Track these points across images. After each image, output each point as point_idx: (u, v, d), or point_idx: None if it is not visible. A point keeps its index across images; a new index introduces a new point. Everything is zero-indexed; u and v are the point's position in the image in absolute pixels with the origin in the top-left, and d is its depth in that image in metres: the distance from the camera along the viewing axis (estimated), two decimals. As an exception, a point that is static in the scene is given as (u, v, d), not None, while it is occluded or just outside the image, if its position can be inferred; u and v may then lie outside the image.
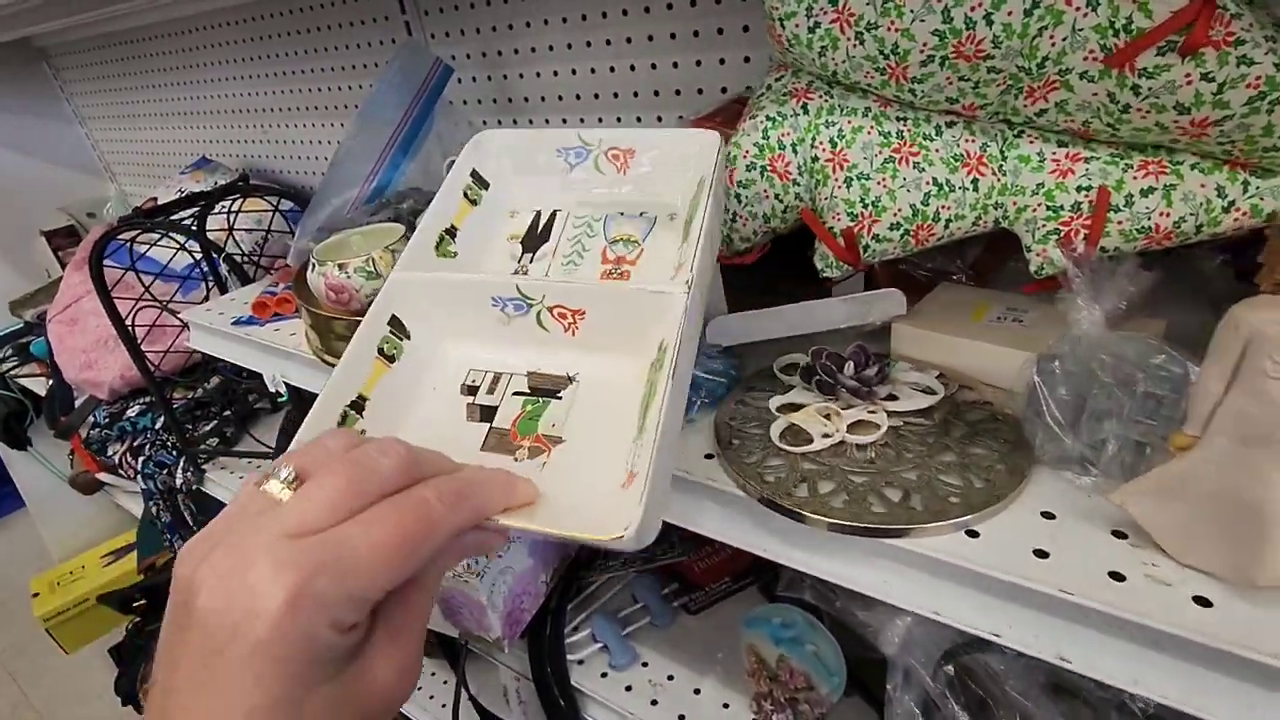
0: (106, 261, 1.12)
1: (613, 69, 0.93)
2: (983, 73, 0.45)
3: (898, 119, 0.50)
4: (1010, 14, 0.42)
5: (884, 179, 0.50)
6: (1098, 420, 0.39)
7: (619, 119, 0.97)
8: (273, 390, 0.78)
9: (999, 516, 0.40)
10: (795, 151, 0.52)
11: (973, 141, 0.49)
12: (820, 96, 0.52)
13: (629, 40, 0.90)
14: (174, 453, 1.26)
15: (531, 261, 0.49)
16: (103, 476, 1.62)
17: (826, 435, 0.46)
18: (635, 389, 0.39)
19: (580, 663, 0.80)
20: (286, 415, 1.05)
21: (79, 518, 2.14)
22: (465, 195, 0.50)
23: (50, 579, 2.00)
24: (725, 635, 0.81)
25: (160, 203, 1.40)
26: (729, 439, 0.49)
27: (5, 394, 1.87)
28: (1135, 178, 0.45)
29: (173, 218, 1.06)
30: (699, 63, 0.86)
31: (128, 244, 1.10)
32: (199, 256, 1.07)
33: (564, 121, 1.02)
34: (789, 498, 0.42)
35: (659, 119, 0.93)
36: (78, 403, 1.51)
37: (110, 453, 1.30)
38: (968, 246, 0.62)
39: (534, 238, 0.50)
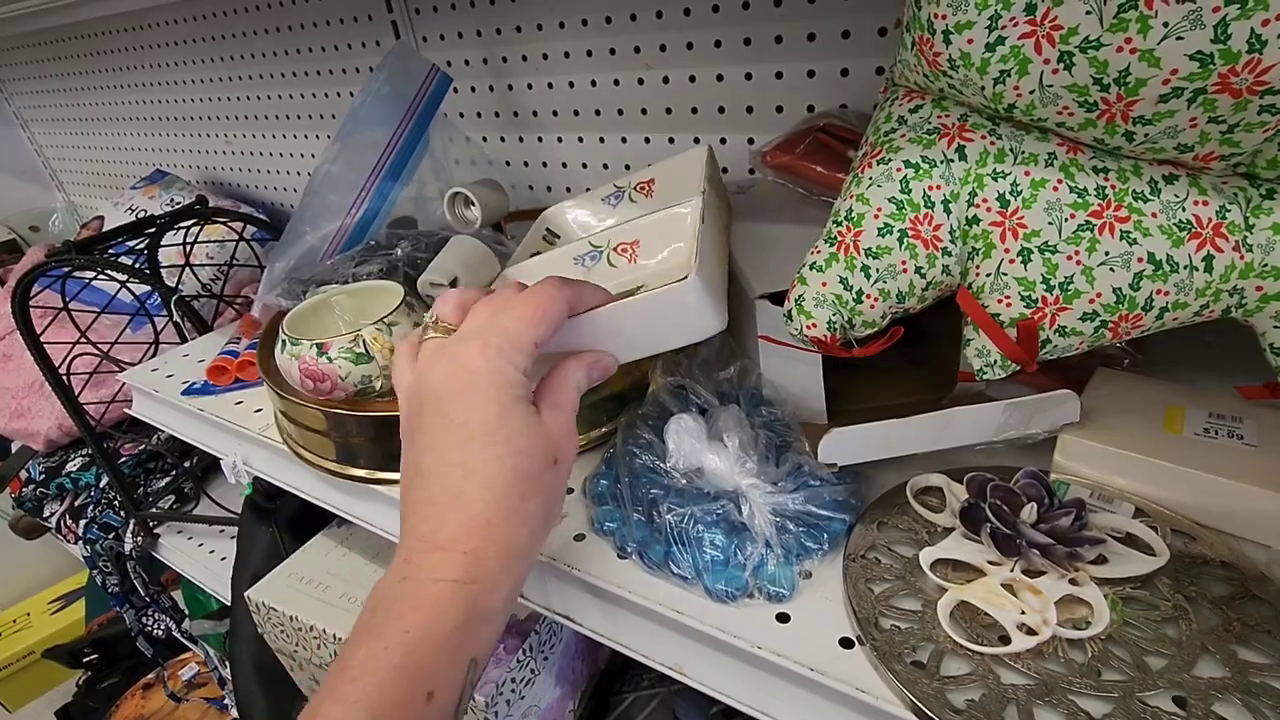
0: (44, 293, 0.95)
1: (641, 81, 0.79)
2: (1250, 113, 0.32)
3: (1096, 170, 0.37)
4: (1327, 30, 0.28)
5: (1077, 252, 0.37)
6: None
7: (647, 140, 0.82)
8: (233, 482, 0.62)
9: (1328, 786, 0.27)
10: (948, 211, 0.39)
11: (1205, 204, 0.36)
12: (983, 137, 0.38)
13: (663, 48, 0.76)
14: (122, 514, 1.09)
15: None
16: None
17: (1027, 628, 0.33)
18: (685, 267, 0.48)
19: (614, 802, 0.66)
20: (254, 483, 0.89)
21: (22, 560, 1.94)
22: (544, 239, 0.63)
23: (-10, 630, 1.81)
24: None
25: (107, 225, 1.23)
26: (873, 617, 0.35)
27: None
28: None
29: (119, 245, 0.90)
30: (749, 76, 0.72)
31: (63, 276, 0.93)
32: (144, 295, 0.91)
33: (580, 140, 0.88)
34: (1000, 745, 0.29)
35: (695, 140, 0.79)
36: (14, 447, 1.33)
37: (47, 513, 1.13)
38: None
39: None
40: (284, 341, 0.48)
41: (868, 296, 0.40)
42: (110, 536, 1.10)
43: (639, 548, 0.41)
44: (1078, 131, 0.36)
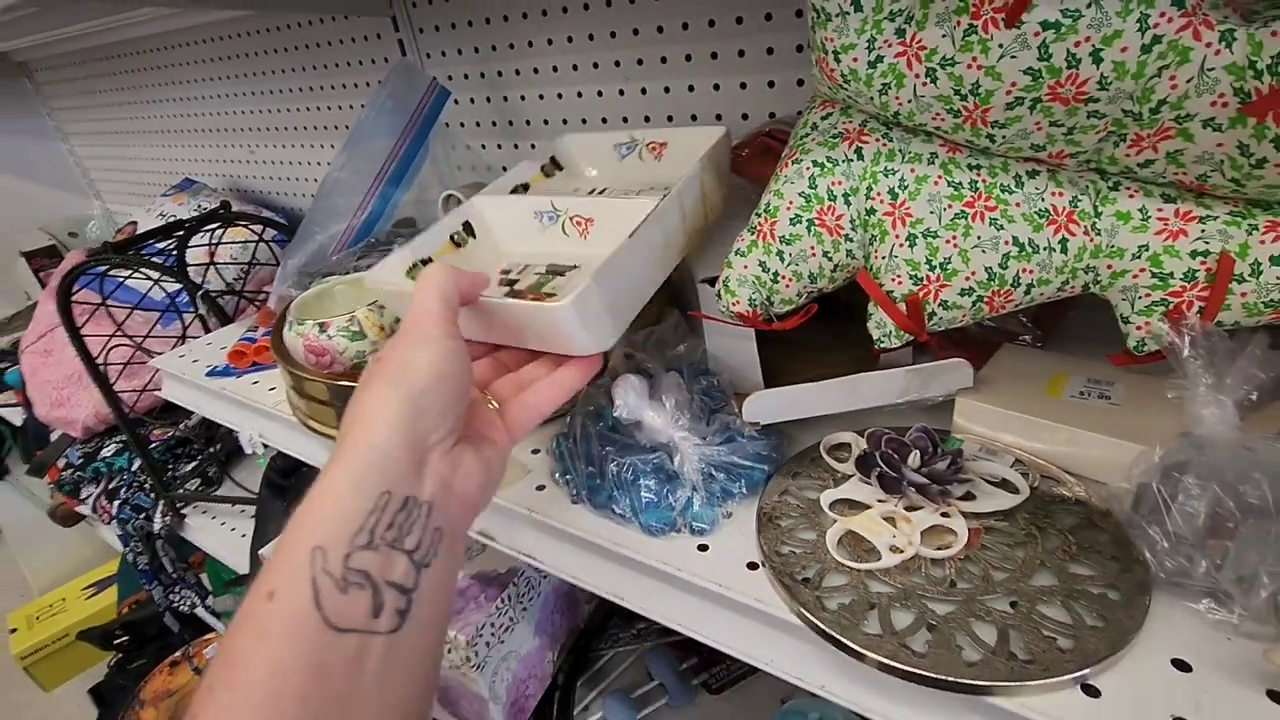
0: (84, 291, 1.04)
1: (622, 92, 0.86)
2: (1081, 118, 0.38)
3: (970, 167, 0.43)
4: (1124, 50, 0.35)
5: (954, 237, 0.43)
6: (1245, 552, 0.32)
7: (629, 145, 0.89)
8: (249, 452, 0.70)
9: (1121, 663, 0.33)
10: (848, 203, 0.45)
11: (1060, 195, 0.42)
12: (877, 140, 0.45)
13: (640, 62, 0.83)
14: (152, 495, 1.18)
15: None
16: (83, 509, 1.54)
17: (896, 549, 0.39)
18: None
19: (591, 748, 0.73)
20: (271, 463, 0.98)
21: (59, 547, 2.04)
22: (543, 169, 0.64)
23: (29, 613, 1.91)
24: (751, 718, 0.73)
25: (140, 228, 1.32)
26: (776, 546, 0.41)
27: (-19, 423, 1.79)
28: (1262, 241, 0.38)
29: (151, 247, 0.99)
30: (717, 87, 0.79)
31: (100, 275, 1.02)
32: (174, 291, 1.00)
33: (569, 147, 0.95)
34: (858, 635, 0.35)
35: (673, 146, 0.86)
36: (53, 436, 1.43)
37: (84, 495, 1.22)
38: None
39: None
40: (290, 322, 0.56)
41: (783, 277, 0.47)
42: (141, 517, 1.18)
43: (587, 493, 0.48)
44: (953, 134, 0.42)
